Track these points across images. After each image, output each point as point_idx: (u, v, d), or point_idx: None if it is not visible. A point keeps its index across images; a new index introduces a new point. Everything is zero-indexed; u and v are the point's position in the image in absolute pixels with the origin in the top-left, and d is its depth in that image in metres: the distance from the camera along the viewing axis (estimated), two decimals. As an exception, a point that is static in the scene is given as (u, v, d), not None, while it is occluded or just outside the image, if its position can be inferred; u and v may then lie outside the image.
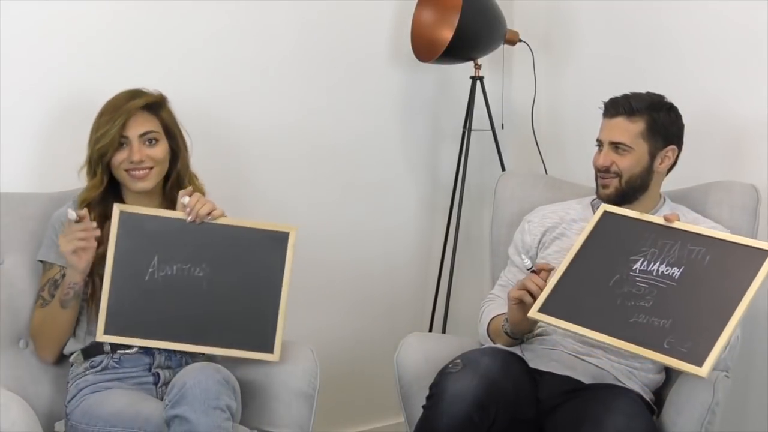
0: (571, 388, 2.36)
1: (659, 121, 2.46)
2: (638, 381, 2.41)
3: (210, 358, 2.37)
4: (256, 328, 2.33)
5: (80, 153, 2.38)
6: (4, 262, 2.40)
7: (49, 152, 2.63)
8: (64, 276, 2.31)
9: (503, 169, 3.23)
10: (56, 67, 2.63)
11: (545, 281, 2.30)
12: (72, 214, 2.24)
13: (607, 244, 2.33)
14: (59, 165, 2.56)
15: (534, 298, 2.29)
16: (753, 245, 2.19)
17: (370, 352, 3.23)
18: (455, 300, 3.21)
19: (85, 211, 2.27)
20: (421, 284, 3.41)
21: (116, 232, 2.29)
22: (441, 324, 3.17)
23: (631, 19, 3.11)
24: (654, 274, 2.21)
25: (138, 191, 2.38)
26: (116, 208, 2.30)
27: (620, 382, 2.38)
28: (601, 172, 2.49)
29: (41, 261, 2.39)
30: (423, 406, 2.28)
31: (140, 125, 2.35)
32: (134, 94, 2.37)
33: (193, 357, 2.37)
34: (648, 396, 2.41)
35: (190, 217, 2.31)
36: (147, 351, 2.34)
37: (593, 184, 2.56)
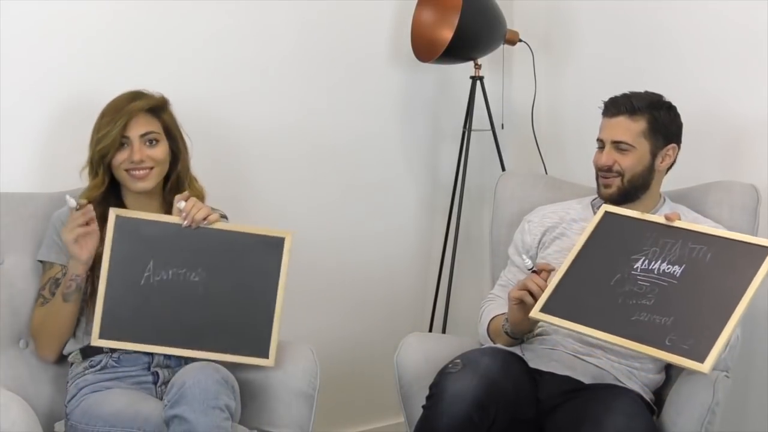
0: (571, 388, 2.36)
1: (660, 119, 2.46)
2: (638, 381, 2.41)
3: (209, 357, 2.37)
4: (252, 333, 2.33)
5: (80, 153, 2.38)
6: (4, 262, 2.40)
7: (50, 152, 2.63)
8: (65, 275, 2.32)
9: (503, 169, 3.23)
10: (56, 67, 2.63)
11: (546, 281, 2.30)
12: (71, 201, 2.25)
13: (608, 244, 2.33)
14: (59, 165, 2.57)
15: (535, 298, 2.29)
16: (754, 242, 2.20)
17: (370, 352, 3.23)
18: (455, 300, 3.21)
19: (85, 201, 2.28)
20: (421, 284, 3.42)
21: (112, 237, 2.29)
22: (441, 324, 3.17)
23: (631, 19, 3.11)
24: (655, 272, 2.21)
25: (138, 191, 2.38)
26: (112, 213, 2.30)
27: (620, 382, 2.38)
28: (603, 171, 2.48)
29: (41, 261, 2.39)
30: (423, 406, 2.28)
31: (141, 126, 2.36)
32: (136, 95, 2.37)
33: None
34: (648, 396, 2.41)
35: (185, 222, 2.31)
36: (146, 350, 2.35)
37: (593, 184, 2.56)
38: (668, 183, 2.56)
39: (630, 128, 2.45)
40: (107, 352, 2.33)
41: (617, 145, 2.46)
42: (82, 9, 2.65)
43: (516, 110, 3.42)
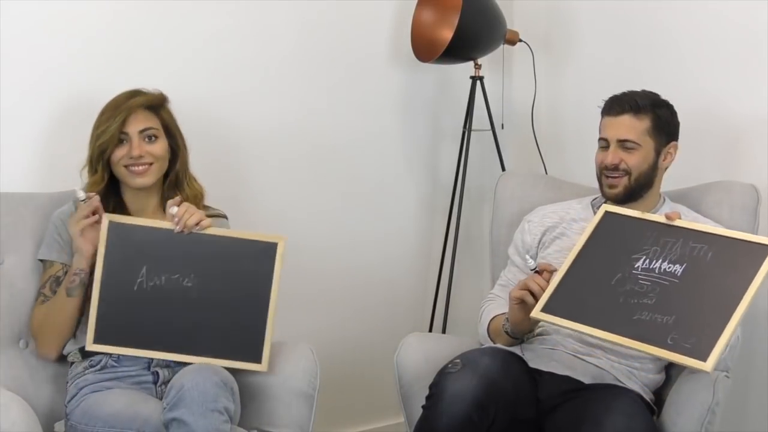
0: (571, 388, 2.36)
1: (663, 117, 2.47)
2: (638, 381, 2.41)
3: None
4: (245, 338, 2.33)
5: (80, 153, 2.39)
6: (4, 262, 2.40)
7: (49, 152, 2.64)
8: (66, 273, 2.33)
9: (503, 169, 3.23)
10: (56, 67, 2.63)
11: (547, 281, 2.30)
12: (80, 193, 2.26)
13: (609, 244, 2.33)
14: (59, 165, 2.57)
15: (536, 298, 2.29)
16: (754, 241, 2.20)
17: (370, 352, 3.23)
18: (455, 300, 3.21)
19: (93, 193, 2.29)
20: (421, 284, 3.41)
21: (105, 242, 2.29)
22: (441, 324, 3.17)
23: (631, 19, 3.11)
24: (656, 271, 2.21)
25: (137, 187, 2.38)
26: (105, 219, 2.30)
27: (620, 382, 2.38)
28: (609, 170, 2.47)
29: (41, 260, 2.39)
30: (422, 406, 2.28)
31: (140, 122, 2.36)
32: (135, 92, 2.39)
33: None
34: (648, 396, 2.41)
35: (178, 228, 2.31)
36: (146, 350, 2.34)
37: (593, 184, 2.56)
38: (668, 183, 2.56)
39: (635, 126, 2.45)
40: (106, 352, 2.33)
41: (623, 143, 2.45)
42: (82, 9, 2.65)
43: (516, 110, 3.42)
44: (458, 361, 2.30)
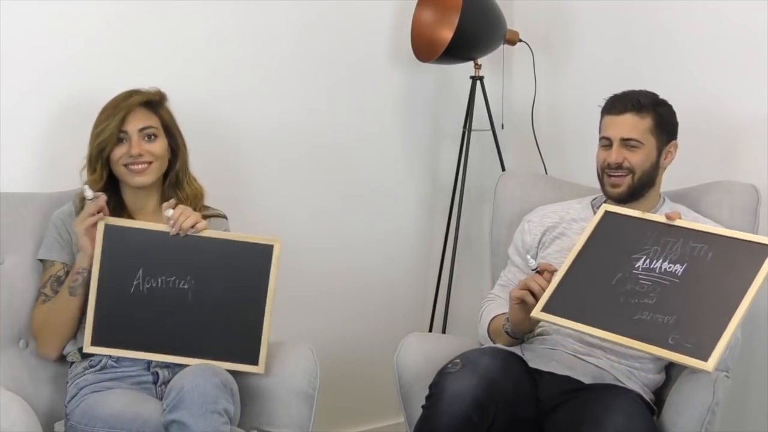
0: (571, 388, 2.36)
1: (664, 116, 2.48)
2: (638, 381, 2.41)
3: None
4: (241, 340, 2.33)
5: (80, 153, 2.39)
6: (4, 262, 2.40)
7: (49, 152, 2.63)
8: (67, 273, 2.33)
9: (503, 169, 3.23)
10: (56, 67, 2.63)
11: (548, 281, 2.30)
12: (89, 192, 2.26)
13: (609, 243, 2.33)
14: (59, 165, 2.57)
15: (536, 297, 2.29)
16: (755, 240, 2.20)
17: (370, 352, 3.23)
18: (455, 300, 3.21)
19: (100, 192, 2.29)
20: (421, 284, 3.41)
21: (101, 245, 2.29)
22: (441, 324, 3.17)
23: (631, 19, 3.11)
24: (657, 271, 2.21)
25: (137, 186, 2.38)
26: (101, 222, 2.30)
27: (620, 382, 2.38)
28: (612, 169, 2.47)
29: (42, 260, 2.39)
30: (422, 406, 2.28)
31: (139, 120, 2.37)
32: (134, 91, 2.39)
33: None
34: (648, 396, 2.41)
35: (173, 230, 2.31)
36: (145, 350, 2.34)
37: (593, 184, 2.56)
38: (668, 183, 2.56)
39: (638, 125, 2.45)
40: (106, 352, 2.34)
41: (626, 142, 2.45)
42: (82, 9, 2.65)
43: (516, 110, 3.42)
44: (458, 361, 2.30)
